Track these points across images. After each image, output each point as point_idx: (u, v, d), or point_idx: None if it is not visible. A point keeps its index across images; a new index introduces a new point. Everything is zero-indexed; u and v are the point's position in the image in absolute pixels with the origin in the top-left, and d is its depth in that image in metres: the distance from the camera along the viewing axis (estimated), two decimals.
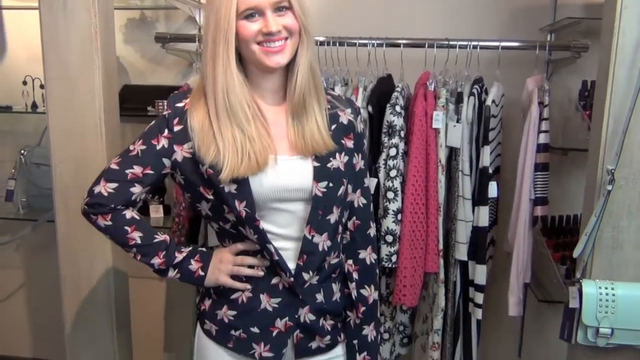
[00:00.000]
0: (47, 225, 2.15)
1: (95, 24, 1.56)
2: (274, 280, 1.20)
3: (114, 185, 1.17)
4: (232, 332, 1.21)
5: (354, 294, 1.26)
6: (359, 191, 1.27)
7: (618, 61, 1.32)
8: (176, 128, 1.15)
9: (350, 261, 1.28)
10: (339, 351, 1.28)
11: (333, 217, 1.19)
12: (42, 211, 2.25)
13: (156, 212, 2.20)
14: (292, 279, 1.17)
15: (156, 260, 1.20)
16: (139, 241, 1.19)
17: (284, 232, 1.18)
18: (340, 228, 1.23)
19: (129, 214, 1.20)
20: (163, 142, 1.16)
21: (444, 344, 1.80)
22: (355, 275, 1.27)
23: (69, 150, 1.59)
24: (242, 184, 1.12)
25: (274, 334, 1.20)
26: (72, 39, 1.56)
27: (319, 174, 1.16)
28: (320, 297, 1.22)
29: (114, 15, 1.68)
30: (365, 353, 1.27)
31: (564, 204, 2.04)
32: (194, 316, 2.02)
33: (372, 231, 1.30)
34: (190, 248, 1.25)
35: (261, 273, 1.20)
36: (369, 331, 1.27)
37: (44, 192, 2.20)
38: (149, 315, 2.57)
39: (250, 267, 1.20)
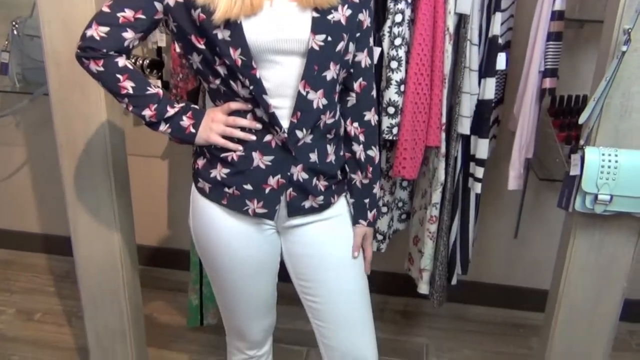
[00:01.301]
0: (45, 100, 2.11)
1: None
2: (267, 138, 1.18)
3: (106, 29, 1.13)
4: (226, 189, 1.22)
5: (362, 156, 1.30)
6: (366, 50, 1.23)
7: None
8: None
9: (356, 124, 1.28)
10: (332, 212, 1.30)
11: (330, 74, 1.15)
12: (38, 85, 2.21)
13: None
14: (285, 135, 1.15)
15: (147, 112, 1.19)
16: (130, 91, 1.17)
17: (279, 89, 1.14)
18: (337, 87, 1.20)
19: (122, 61, 1.17)
20: None
21: (441, 217, 1.82)
22: (361, 138, 1.29)
23: (58, 10, 1.51)
24: (236, 29, 1.07)
25: (267, 191, 1.21)
26: None
27: (318, 25, 1.10)
28: (314, 156, 1.22)
29: None
30: (375, 210, 1.35)
31: (574, 83, 1.97)
32: None
33: (374, 92, 1.29)
34: (183, 104, 1.22)
35: (253, 137, 1.18)
36: (377, 189, 1.35)
37: (39, 65, 2.13)
38: (152, 193, 2.60)
39: (242, 129, 1.18)
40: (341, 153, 1.30)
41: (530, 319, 2.41)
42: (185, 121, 1.21)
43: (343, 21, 1.13)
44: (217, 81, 1.16)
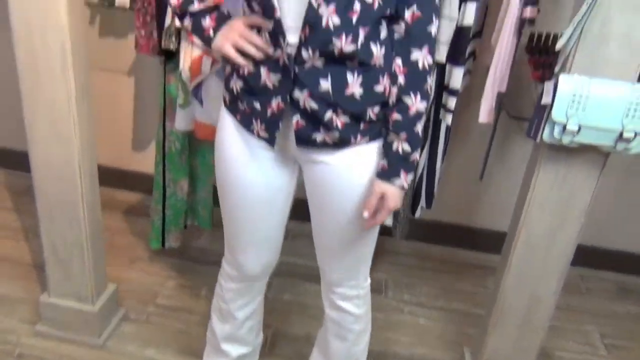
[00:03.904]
0: None
1: None
2: (277, 54, 1.10)
3: None
4: (239, 104, 1.19)
5: (392, 99, 1.13)
6: None
7: None
8: None
9: (399, 60, 1.12)
10: (353, 157, 1.17)
11: None
12: None
13: None
14: (288, 51, 1.07)
15: (174, 1, 1.18)
16: None
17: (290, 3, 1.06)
18: (357, 5, 1.04)
19: None
20: None
21: None
22: (401, 79, 1.12)
23: None
24: None
25: (269, 113, 1.15)
26: None
27: None
28: (325, 84, 1.09)
29: None
30: (396, 172, 1.14)
31: (554, 21, 1.94)
32: (161, 110, 1.97)
33: (432, 28, 1.10)
34: (212, 5, 1.18)
35: (261, 55, 1.11)
36: (398, 145, 1.14)
37: None
38: (117, 112, 2.52)
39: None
40: (379, 88, 1.12)
41: (489, 260, 2.45)
42: (207, 22, 1.16)
43: None
44: None
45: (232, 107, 1.21)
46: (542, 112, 1.30)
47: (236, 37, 1.11)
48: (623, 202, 2.34)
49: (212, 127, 1.84)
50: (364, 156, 1.18)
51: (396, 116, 1.13)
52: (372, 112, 1.13)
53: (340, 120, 1.11)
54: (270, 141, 1.17)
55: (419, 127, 1.14)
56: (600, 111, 1.24)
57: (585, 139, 1.28)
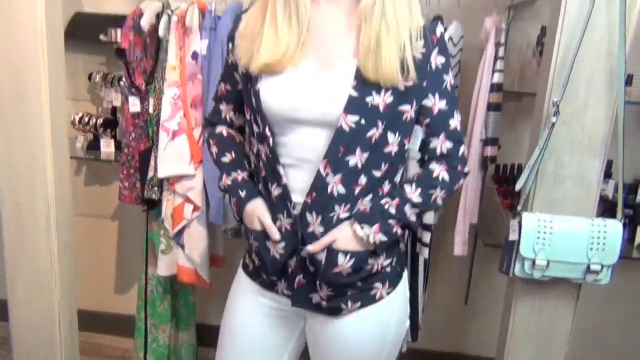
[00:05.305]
0: None
1: None
2: (277, 225, 1.11)
3: (214, 104, 1.25)
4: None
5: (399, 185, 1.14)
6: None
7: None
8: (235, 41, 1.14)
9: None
10: (349, 325, 1.14)
11: (354, 161, 1.04)
12: None
13: (107, 146, 2.14)
14: (295, 212, 1.07)
15: (221, 181, 1.21)
16: (214, 156, 1.22)
17: (297, 161, 1.07)
18: (363, 178, 1.06)
19: (219, 129, 1.24)
20: (231, 57, 1.16)
21: None
22: (414, 180, 1.13)
23: (6, 76, 1.50)
24: (256, 87, 1.06)
25: (289, 271, 1.13)
26: None
27: (353, 105, 1.01)
28: (321, 256, 1.08)
29: None
30: (369, 223, 1.07)
31: (517, 153, 2.05)
32: (144, 256, 2.00)
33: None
34: (231, 185, 1.18)
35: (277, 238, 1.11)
36: (387, 204, 1.10)
37: None
38: (101, 256, 2.53)
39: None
40: (367, 267, 1.11)
41: None
42: (234, 207, 1.18)
43: (381, 107, 1.03)
44: (254, 149, 1.13)
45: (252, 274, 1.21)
46: (512, 249, 1.35)
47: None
48: (609, 326, 2.33)
49: (194, 271, 1.86)
50: (361, 320, 1.15)
51: (397, 197, 1.10)
52: (359, 282, 1.12)
53: (325, 293, 1.11)
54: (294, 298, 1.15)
55: (409, 211, 1.09)
56: (565, 246, 1.29)
57: (556, 273, 1.32)
